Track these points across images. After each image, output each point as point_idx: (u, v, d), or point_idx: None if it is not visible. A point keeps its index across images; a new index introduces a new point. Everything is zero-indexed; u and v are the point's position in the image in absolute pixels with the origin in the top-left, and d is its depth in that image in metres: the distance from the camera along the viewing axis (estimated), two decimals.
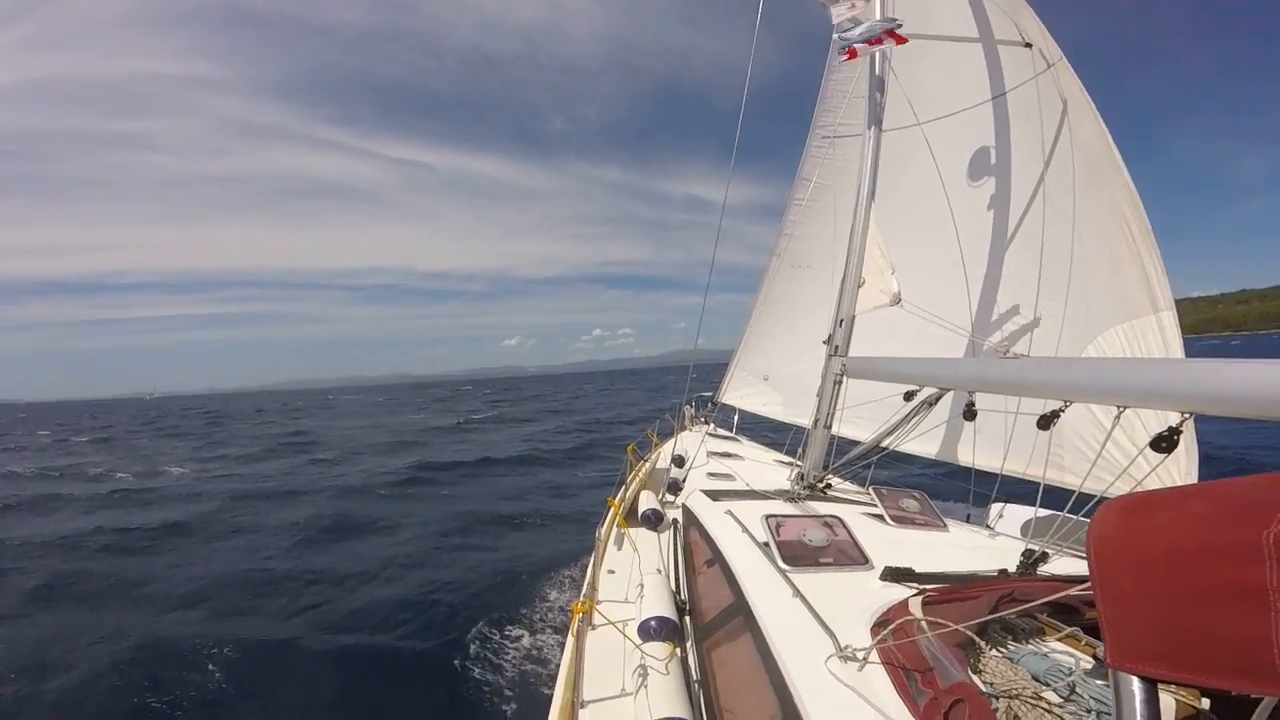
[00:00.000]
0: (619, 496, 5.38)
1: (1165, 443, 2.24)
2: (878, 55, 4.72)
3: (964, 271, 5.38)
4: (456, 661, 6.31)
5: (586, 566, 4.31)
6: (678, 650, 3.05)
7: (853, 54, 4.69)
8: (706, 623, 3.30)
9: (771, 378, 8.31)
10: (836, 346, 4.66)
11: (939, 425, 4.34)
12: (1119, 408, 2.31)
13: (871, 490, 4.35)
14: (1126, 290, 4.54)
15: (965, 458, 5.21)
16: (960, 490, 5.15)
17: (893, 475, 5.52)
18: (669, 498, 5.72)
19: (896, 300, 4.31)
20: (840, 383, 4.60)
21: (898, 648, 2.17)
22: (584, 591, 3.94)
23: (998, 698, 1.84)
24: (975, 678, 1.96)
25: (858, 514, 4.04)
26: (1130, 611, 1.06)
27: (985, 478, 4.80)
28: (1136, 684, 1.05)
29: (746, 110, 5.98)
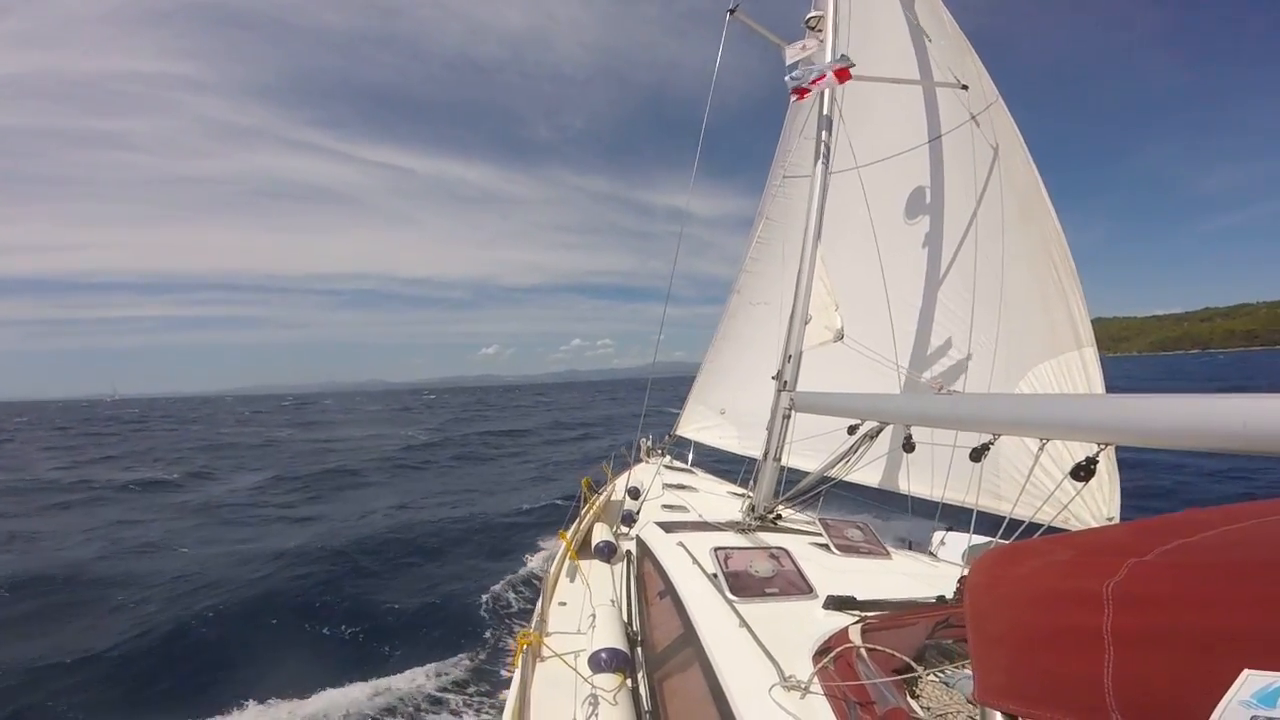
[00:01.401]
0: (571, 530, 5.38)
1: (1083, 472, 2.36)
2: (825, 95, 4.92)
3: (902, 309, 5.61)
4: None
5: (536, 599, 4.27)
6: (628, 681, 3.06)
7: (802, 94, 4.92)
8: (658, 653, 3.31)
9: (728, 411, 8.43)
10: (785, 382, 4.79)
11: (881, 457, 4.48)
12: (1041, 440, 2.44)
13: (818, 520, 4.45)
14: (1054, 326, 4.79)
15: (906, 487, 5.37)
16: (906, 519, 5.29)
17: (847, 506, 5.63)
18: (623, 530, 5.73)
19: (840, 336, 4.49)
20: (789, 417, 4.73)
21: (838, 675, 2.24)
22: (533, 624, 3.93)
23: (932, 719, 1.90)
24: (912, 702, 2.02)
25: (805, 544, 4.12)
26: (995, 651, 1.15)
27: (931, 505, 4.95)
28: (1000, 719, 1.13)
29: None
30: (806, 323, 4.70)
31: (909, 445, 3.70)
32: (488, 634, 7.13)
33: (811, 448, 4.78)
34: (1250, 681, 0.79)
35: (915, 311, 5.74)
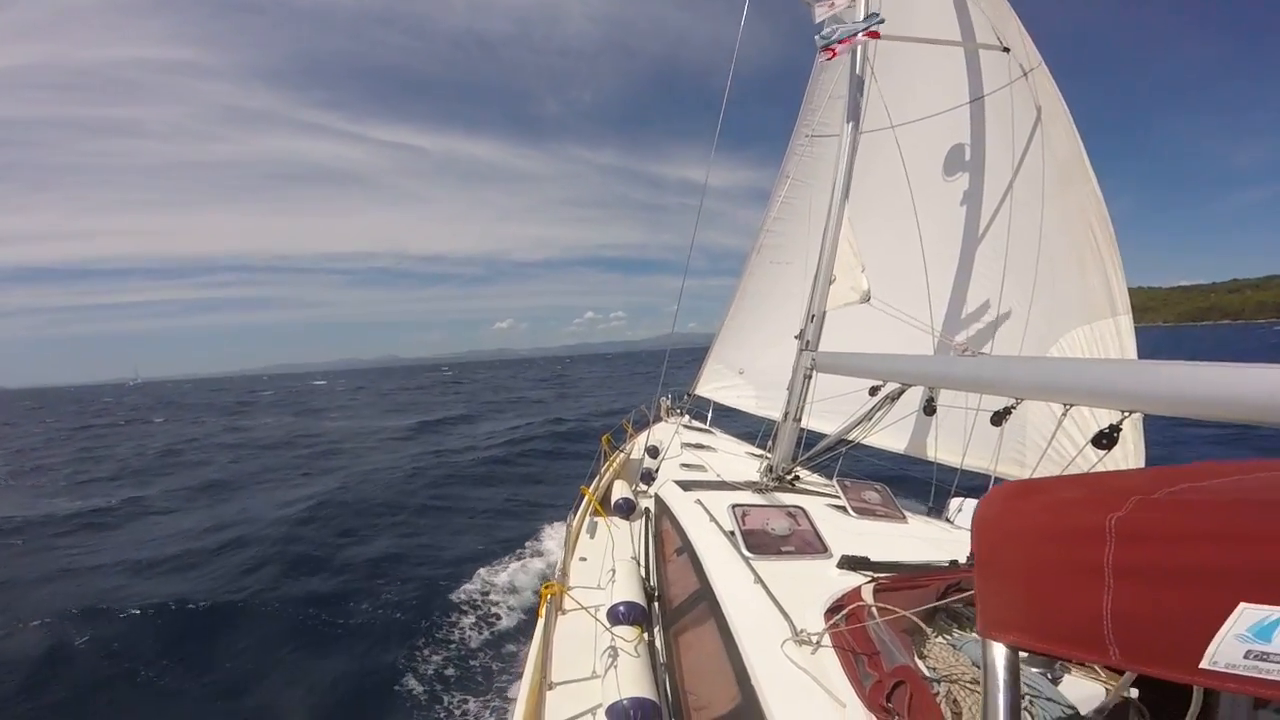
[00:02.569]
0: (593, 486, 5.45)
1: (1106, 440, 2.33)
2: (857, 55, 4.78)
3: (934, 271, 5.50)
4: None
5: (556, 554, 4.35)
6: (645, 635, 3.13)
7: (832, 53, 4.77)
8: (674, 608, 3.38)
9: (746, 371, 8.41)
10: (807, 341, 4.75)
11: (903, 420, 4.45)
12: (1065, 405, 2.39)
13: (836, 482, 4.46)
14: (1089, 293, 4.67)
15: (927, 452, 5.34)
16: (926, 484, 5.28)
17: (866, 468, 5.63)
18: (642, 487, 5.80)
19: (866, 297, 4.41)
20: (810, 377, 4.70)
21: (849, 632, 2.25)
22: (555, 576, 4.01)
23: (938, 681, 1.92)
24: (919, 662, 2.04)
25: (821, 505, 4.14)
26: (1000, 586, 1.16)
27: (952, 472, 4.94)
28: (1002, 651, 1.14)
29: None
30: (831, 283, 4.63)
31: (930, 408, 3.67)
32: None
33: (832, 410, 4.76)
34: (1246, 615, 0.81)
35: (946, 274, 5.62)
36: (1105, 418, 2.31)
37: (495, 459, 16.81)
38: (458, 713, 5.30)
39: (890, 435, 4.85)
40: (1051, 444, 3.28)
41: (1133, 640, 0.92)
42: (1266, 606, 0.79)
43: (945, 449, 4.99)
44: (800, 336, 4.82)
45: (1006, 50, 5.18)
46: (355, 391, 70.94)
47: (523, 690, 2.88)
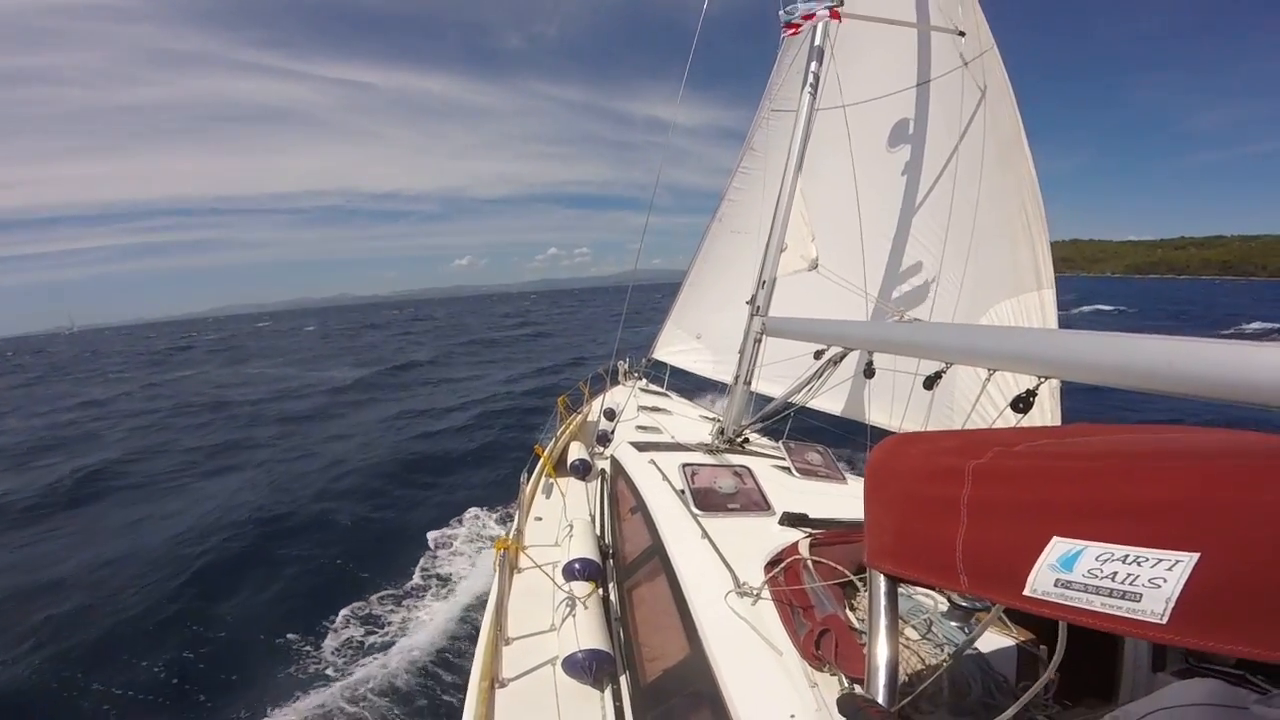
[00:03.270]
0: (549, 447, 5.56)
1: (1023, 403, 2.50)
2: (817, 32, 4.89)
3: (876, 243, 5.72)
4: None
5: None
6: (600, 590, 3.30)
7: (794, 29, 4.86)
8: (627, 564, 3.52)
9: (704, 336, 8.59)
10: (758, 307, 4.92)
11: (845, 383, 4.68)
12: (989, 370, 2.55)
13: (782, 444, 4.68)
14: (1018, 267, 4.94)
15: (864, 415, 5.62)
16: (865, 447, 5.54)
17: (813, 432, 5.87)
18: (599, 449, 5.94)
19: (814, 265, 4.60)
20: (760, 341, 4.88)
21: (787, 584, 2.43)
22: (510, 534, 4.10)
23: (865, 632, 2.04)
24: (849, 614, 2.21)
25: (767, 465, 4.33)
26: (882, 519, 1.32)
27: (888, 434, 5.18)
28: (882, 580, 1.31)
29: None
30: (783, 251, 4.80)
31: (869, 371, 3.85)
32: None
33: (781, 374, 4.96)
34: (1056, 547, 0.92)
35: (889, 245, 5.86)
36: (1026, 383, 2.50)
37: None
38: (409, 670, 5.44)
39: (833, 399, 5.08)
40: (975, 407, 3.51)
41: (977, 569, 1.05)
42: (1073, 540, 0.90)
43: (882, 411, 5.25)
44: (751, 302, 4.99)
45: (961, 34, 5.33)
46: (299, 333, 68.75)
47: (480, 645, 2.97)
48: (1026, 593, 0.93)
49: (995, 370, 2.51)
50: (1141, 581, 0.81)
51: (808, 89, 4.88)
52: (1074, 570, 0.89)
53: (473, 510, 8.83)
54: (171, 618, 6.45)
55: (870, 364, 3.86)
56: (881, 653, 1.29)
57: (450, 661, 5.47)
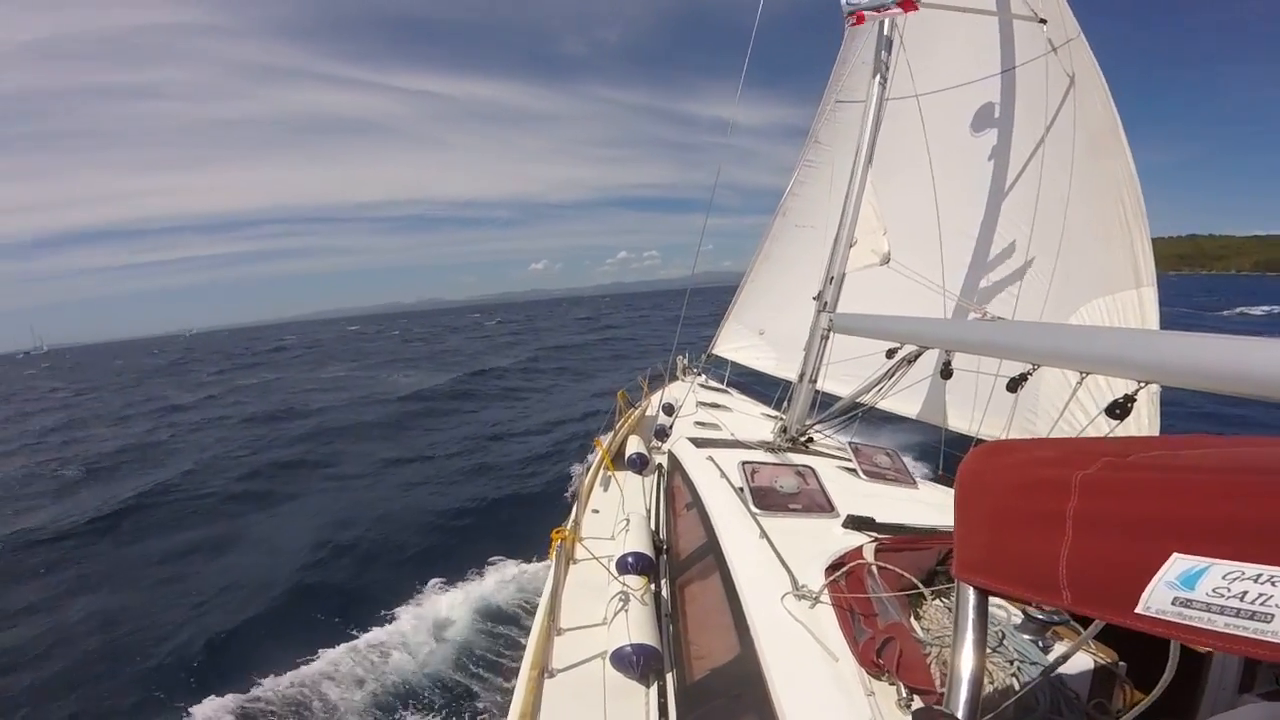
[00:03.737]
0: (607, 440, 5.55)
1: (1119, 410, 2.33)
2: (886, 22, 4.70)
3: (955, 237, 5.45)
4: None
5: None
6: (652, 585, 3.24)
7: (860, 19, 4.67)
8: (681, 560, 3.47)
9: (767, 332, 8.42)
10: (826, 303, 4.76)
11: (919, 384, 4.48)
12: (1081, 373, 2.38)
13: (848, 445, 4.51)
14: (1113, 264, 4.62)
15: (940, 418, 5.37)
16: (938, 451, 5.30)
17: (898, 440, 5.65)
18: (656, 444, 5.89)
19: (886, 260, 4.41)
20: (827, 338, 4.73)
21: (848, 589, 2.32)
22: (568, 527, 4.10)
23: (929, 644, 1.96)
24: (914, 623, 2.10)
25: (832, 466, 4.19)
26: (974, 531, 1.25)
27: (966, 439, 4.94)
28: (971, 593, 1.25)
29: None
30: (852, 245, 4.63)
31: (947, 372, 3.68)
32: None
33: (848, 373, 4.80)
34: (1177, 564, 0.85)
35: (968, 240, 5.57)
36: (1121, 388, 2.31)
37: None
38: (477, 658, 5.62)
39: (905, 400, 4.87)
40: (1064, 413, 3.29)
41: (1083, 585, 0.99)
42: (1195, 557, 0.84)
43: (958, 416, 5.00)
44: (819, 298, 4.83)
45: (1043, 21, 5.04)
46: (384, 337, 69.64)
47: (533, 634, 2.99)
48: (1139, 610, 0.88)
49: (1087, 374, 2.34)
50: (1275, 602, 0.75)
51: (877, 79, 4.70)
52: (1196, 589, 0.83)
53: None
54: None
55: (948, 364, 3.68)
56: (966, 666, 1.25)
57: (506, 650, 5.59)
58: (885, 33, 4.74)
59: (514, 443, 14.00)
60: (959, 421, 5.11)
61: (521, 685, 2.63)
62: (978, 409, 4.61)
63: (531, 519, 8.61)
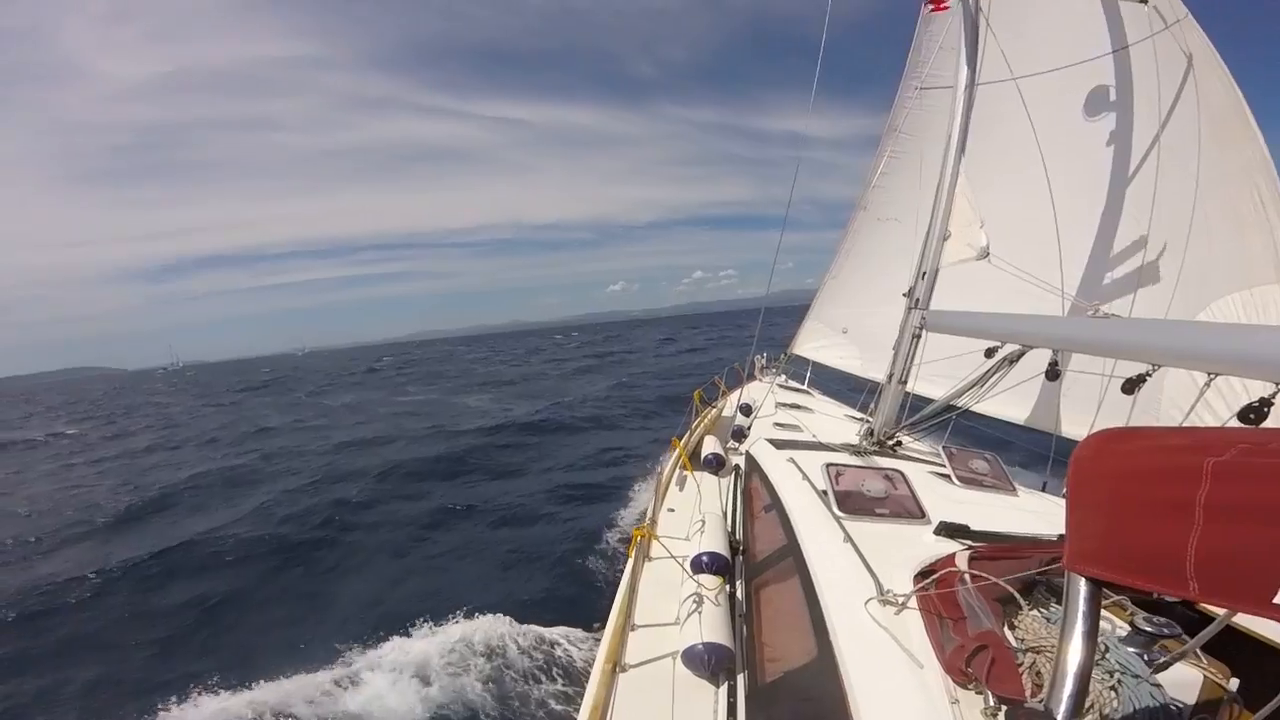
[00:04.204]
0: (684, 440, 5.52)
1: (1255, 414, 2.14)
2: (970, 4, 4.52)
3: (1063, 229, 5.08)
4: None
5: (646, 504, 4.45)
6: (727, 585, 3.20)
7: (939, 5, 4.47)
8: (757, 562, 3.41)
9: (850, 330, 8.16)
10: (917, 300, 4.55)
11: (1021, 385, 4.22)
12: (1209, 374, 2.21)
13: (942, 450, 4.29)
14: (1249, 256, 4.20)
15: (1048, 422, 5.03)
16: (1044, 457, 4.98)
17: (997, 445, 5.34)
18: (733, 444, 5.81)
19: (984, 254, 4.16)
20: (919, 337, 4.52)
21: (937, 596, 2.21)
22: (646, 521, 4.13)
23: (1024, 652, 1.87)
24: (1008, 632, 1.99)
25: (923, 471, 4.01)
26: (1089, 519, 1.21)
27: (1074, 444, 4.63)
28: (1083, 584, 1.20)
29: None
30: (945, 239, 4.39)
31: (1054, 373, 3.46)
32: None
33: (941, 373, 4.58)
34: None
35: (1077, 233, 5.17)
36: (1258, 390, 2.10)
37: None
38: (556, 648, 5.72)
39: (1007, 402, 4.59)
40: (1189, 416, 3.02)
41: (1213, 575, 0.96)
42: None
43: (1068, 419, 4.66)
44: (909, 294, 4.62)
45: (1144, 1, 4.69)
46: (471, 358, 68.16)
47: (608, 630, 2.99)
48: (1279, 600, 0.86)
49: (1216, 375, 2.18)
50: None
51: (964, 64, 4.47)
52: None
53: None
54: None
55: (1054, 364, 3.44)
56: (1073, 661, 1.20)
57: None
58: (971, 20, 4.53)
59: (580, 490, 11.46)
60: (1069, 425, 4.77)
61: (595, 678, 2.66)
62: (1087, 411, 4.31)
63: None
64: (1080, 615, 1.20)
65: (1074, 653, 1.20)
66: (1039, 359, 3.66)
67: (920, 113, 6.83)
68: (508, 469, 13.75)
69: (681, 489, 4.87)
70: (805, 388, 8.32)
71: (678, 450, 5.12)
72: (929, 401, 4.69)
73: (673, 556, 3.26)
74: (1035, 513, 3.49)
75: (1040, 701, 1.53)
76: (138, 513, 12.83)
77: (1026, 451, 5.34)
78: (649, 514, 4.28)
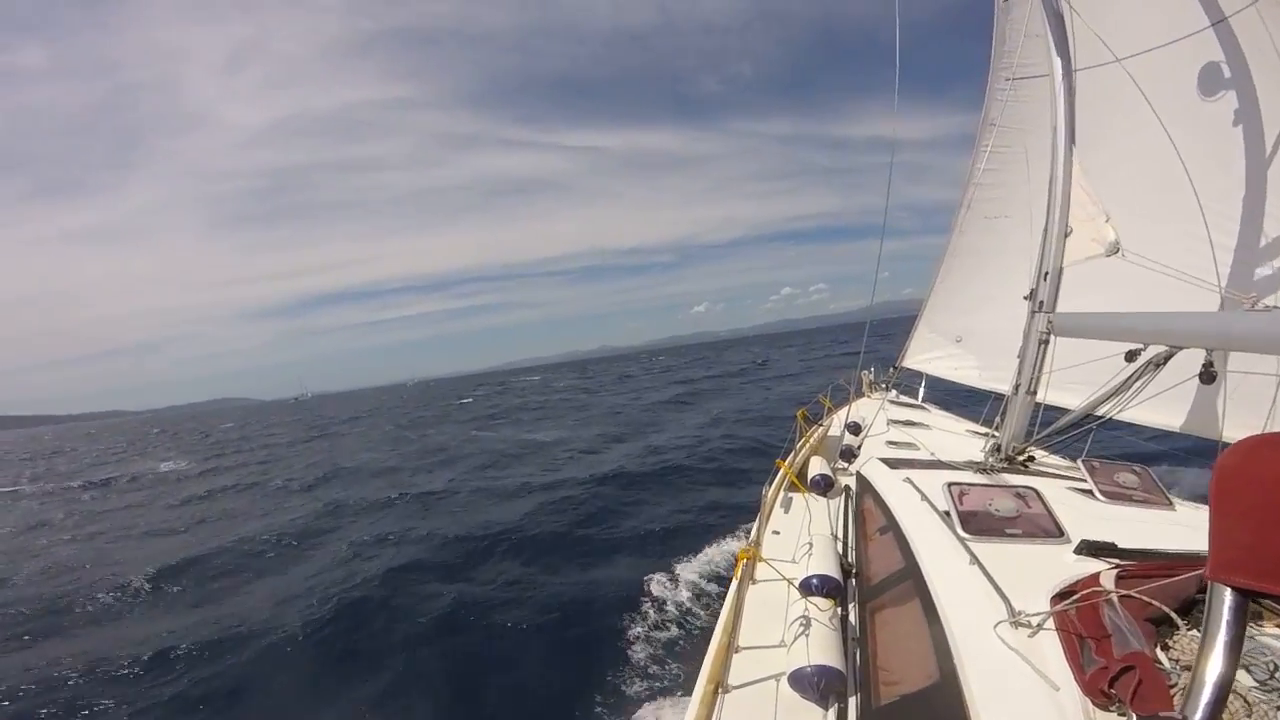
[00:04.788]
0: (788, 460, 5.37)
1: None
2: None
3: (1201, 217, 4.56)
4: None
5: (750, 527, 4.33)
6: (839, 609, 3.10)
7: None
8: (872, 585, 3.28)
9: (965, 339, 7.69)
10: (1041, 302, 4.23)
11: (1172, 391, 3.80)
12: None
13: (1082, 464, 3.95)
14: None
15: (1210, 428, 4.48)
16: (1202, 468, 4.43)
17: (1146, 456, 4.77)
18: (841, 464, 5.62)
19: (1115, 249, 3.80)
20: (1046, 342, 4.20)
21: (1078, 617, 2.10)
22: (750, 542, 4.03)
23: (1180, 671, 1.76)
24: (1160, 654, 1.87)
25: (1060, 487, 3.73)
26: (1232, 530, 1.18)
27: None
28: (1229, 594, 1.18)
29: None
30: (1067, 235, 4.07)
31: (1208, 375, 3.11)
32: None
33: (1076, 380, 4.21)
34: None
35: (1218, 220, 4.63)
36: None
37: None
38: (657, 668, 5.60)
39: (1158, 409, 4.14)
40: None
41: None
42: None
43: (1235, 424, 4.13)
44: (1031, 297, 4.31)
45: None
46: (559, 387, 62.23)
47: (710, 650, 2.96)
48: None
49: None
50: None
51: (1055, 52, 4.23)
52: None
53: None
54: None
55: (1209, 365, 3.08)
56: (1212, 672, 1.18)
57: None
58: (1054, 5, 4.34)
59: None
60: (1234, 431, 4.22)
61: (696, 699, 2.64)
62: (1252, 414, 3.81)
63: None
64: (1224, 625, 1.17)
65: (1214, 663, 1.18)
66: (1190, 360, 3.28)
67: (1016, 104, 6.51)
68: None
69: (787, 511, 4.75)
70: (919, 403, 7.90)
71: (782, 471, 5.01)
72: (1063, 412, 4.32)
73: (782, 578, 3.21)
74: (1196, 528, 3.17)
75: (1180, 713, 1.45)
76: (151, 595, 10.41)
77: (1180, 459, 4.77)
78: (753, 536, 4.20)
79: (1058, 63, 4.24)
